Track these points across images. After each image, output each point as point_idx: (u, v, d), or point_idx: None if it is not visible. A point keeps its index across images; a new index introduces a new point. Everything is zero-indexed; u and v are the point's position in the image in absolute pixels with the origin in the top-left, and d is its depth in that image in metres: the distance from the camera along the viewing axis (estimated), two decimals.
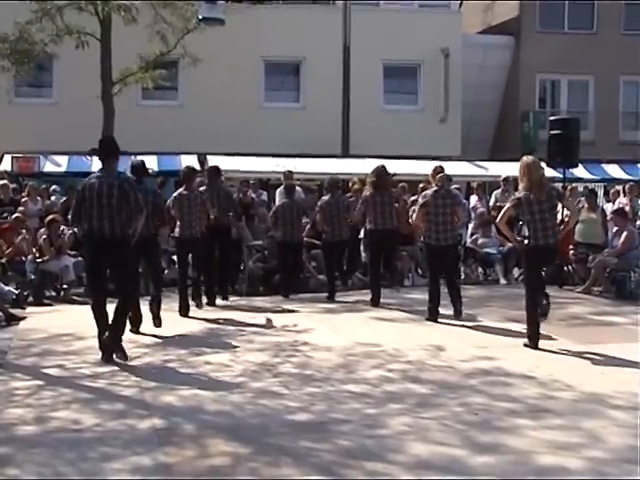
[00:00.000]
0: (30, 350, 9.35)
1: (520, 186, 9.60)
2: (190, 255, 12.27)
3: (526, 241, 9.64)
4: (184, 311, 11.70)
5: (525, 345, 9.34)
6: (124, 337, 8.85)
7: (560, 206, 11.14)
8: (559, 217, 11.89)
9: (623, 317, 11.53)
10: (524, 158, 9.77)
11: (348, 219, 13.49)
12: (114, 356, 8.54)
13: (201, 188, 12.81)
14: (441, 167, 11.89)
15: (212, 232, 12.43)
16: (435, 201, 11.23)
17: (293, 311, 12.17)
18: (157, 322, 10.38)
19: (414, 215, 11.62)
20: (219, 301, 12.71)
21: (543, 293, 9.62)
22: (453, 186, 16.00)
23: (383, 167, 13.11)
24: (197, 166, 17.01)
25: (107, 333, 8.65)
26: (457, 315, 11.21)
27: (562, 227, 10.50)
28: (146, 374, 8.12)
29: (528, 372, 8.08)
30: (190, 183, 12.17)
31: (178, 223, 11.98)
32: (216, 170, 13.41)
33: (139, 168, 10.52)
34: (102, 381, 7.80)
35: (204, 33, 18.44)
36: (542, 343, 9.41)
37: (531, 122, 30.11)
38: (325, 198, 13.98)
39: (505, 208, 9.79)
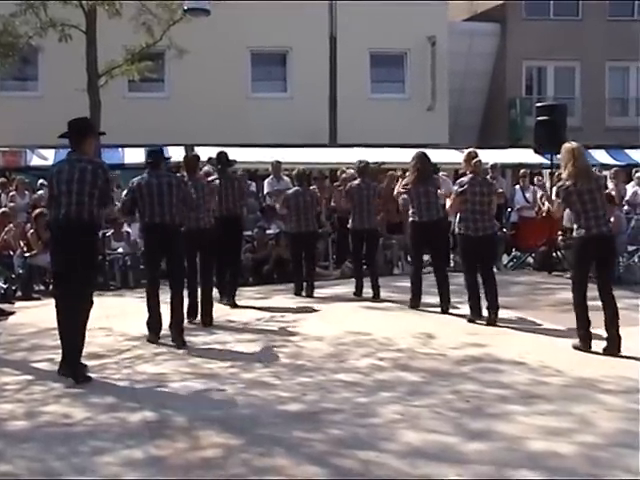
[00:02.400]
0: (19, 345, 9.32)
1: (564, 174, 8.72)
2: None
3: (576, 232, 8.74)
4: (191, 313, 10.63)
5: (575, 347, 8.59)
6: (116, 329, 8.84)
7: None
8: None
9: None
10: (567, 144, 8.90)
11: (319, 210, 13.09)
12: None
13: (210, 178, 12.12)
14: (475, 152, 10.80)
15: (223, 223, 11.62)
16: (473, 189, 10.34)
17: (284, 299, 12.17)
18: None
19: (447, 203, 10.70)
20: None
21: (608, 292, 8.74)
22: (441, 174, 16.10)
23: (366, 162, 13.00)
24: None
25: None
26: (491, 317, 10.11)
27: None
28: (136, 367, 8.10)
29: (519, 358, 8.09)
30: (194, 172, 11.23)
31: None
32: (226, 158, 12.44)
33: (157, 153, 9.88)
34: (92, 374, 7.75)
35: (190, 24, 18.35)
36: (531, 329, 9.43)
37: (518, 109, 30.21)
38: (291, 190, 13.47)
39: (556, 204, 8.99)
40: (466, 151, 11.04)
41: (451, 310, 10.95)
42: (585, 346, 8.50)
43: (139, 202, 9.26)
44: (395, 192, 12.00)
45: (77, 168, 7.76)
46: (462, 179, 10.67)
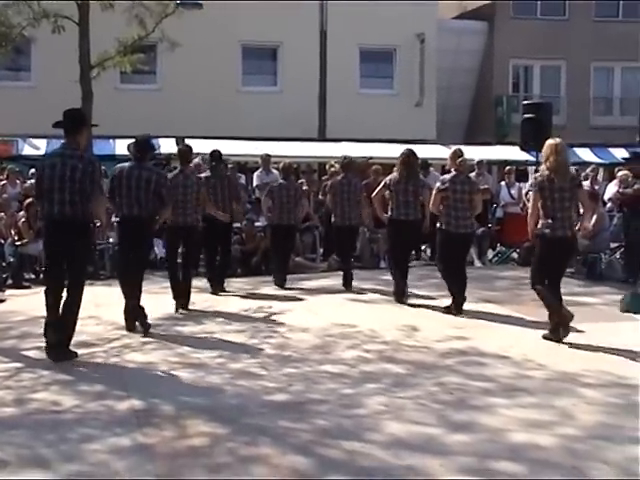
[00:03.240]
0: (9, 332, 9.29)
1: (542, 167, 8.94)
2: (182, 244, 11.16)
3: (541, 229, 8.86)
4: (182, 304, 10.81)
5: (545, 337, 8.77)
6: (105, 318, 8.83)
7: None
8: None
9: (594, 297, 11.61)
10: (551, 139, 9.02)
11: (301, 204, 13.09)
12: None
13: (203, 174, 12.17)
14: (461, 151, 10.88)
15: (213, 220, 11.64)
16: (454, 186, 10.43)
17: (272, 291, 12.17)
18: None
19: (430, 200, 10.69)
20: (198, 283, 12.46)
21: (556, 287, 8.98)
22: (431, 169, 16.16)
23: (350, 158, 13.09)
24: (175, 149, 16.85)
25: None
26: (458, 310, 10.32)
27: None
28: (125, 356, 8.09)
29: (502, 352, 8.11)
30: (187, 163, 11.27)
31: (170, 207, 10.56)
32: (219, 155, 12.49)
33: (142, 144, 9.61)
34: (81, 363, 7.75)
35: (182, 17, 18.31)
36: (515, 323, 9.46)
37: (504, 106, 30.27)
38: (275, 183, 13.51)
39: (533, 197, 9.09)
40: (452, 149, 11.20)
41: (431, 302, 10.96)
42: (556, 337, 8.65)
43: (116, 191, 9.29)
44: (374, 194, 11.87)
45: (69, 165, 7.81)
46: (445, 176, 10.83)
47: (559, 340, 8.60)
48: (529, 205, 9.31)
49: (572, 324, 8.66)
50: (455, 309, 10.30)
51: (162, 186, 9.40)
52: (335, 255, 14.13)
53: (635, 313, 10.12)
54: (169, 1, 18.23)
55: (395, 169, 11.47)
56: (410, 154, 11.43)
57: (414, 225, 11.21)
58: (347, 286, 12.40)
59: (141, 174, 9.21)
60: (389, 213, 11.41)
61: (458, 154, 10.71)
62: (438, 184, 10.64)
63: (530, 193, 9.39)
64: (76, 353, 7.98)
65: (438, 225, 10.62)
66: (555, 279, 8.99)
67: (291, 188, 13.03)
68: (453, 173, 10.58)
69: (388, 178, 11.57)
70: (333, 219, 12.85)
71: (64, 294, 8.06)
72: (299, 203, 13.08)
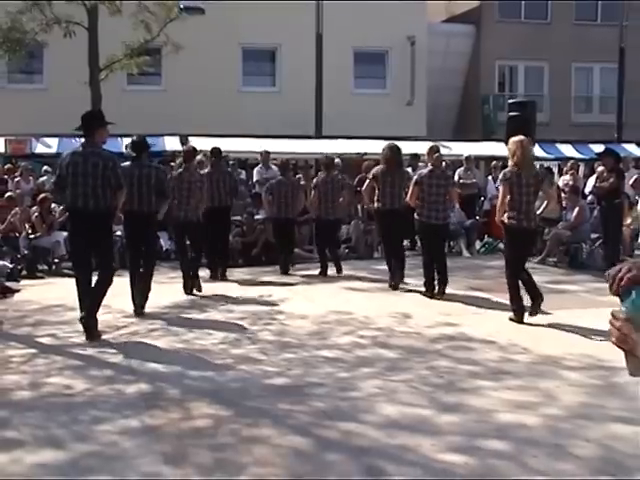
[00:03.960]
0: (24, 320, 9.28)
1: (510, 162, 9.19)
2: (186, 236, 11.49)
3: (507, 221, 9.14)
4: (188, 290, 11.09)
5: (511, 319, 9.00)
6: (114, 307, 8.84)
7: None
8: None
9: (576, 285, 11.65)
10: (516, 137, 9.32)
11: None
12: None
13: (203, 171, 12.32)
14: (437, 147, 11.09)
15: (214, 213, 11.99)
16: (430, 180, 10.63)
17: (271, 280, 12.17)
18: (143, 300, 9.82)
19: (408, 192, 10.87)
20: (201, 274, 12.48)
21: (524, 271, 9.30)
22: (420, 164, 16.13)
23: (332, 158, 13.45)
24: (179, 147, 16.83)
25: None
26: (440, 289, 10.62)
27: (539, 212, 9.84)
28: (133, 342, 8.09)
29: (489, 337, 8.12)
30: (190, 163, 11.51)
31: (175, 203, 10.99)
32: (219, 152, 12.75)
33: (138, 144, 10.01)
34: (91, 349, 7.75)
35: (185, 22, 18.28)
36: (501, 310, 9.47)
37: (491, 105, 30.23)
38: (274, 179, 13.85)
39: (502, 191, 9.29)
40: (429, 145, 11.39)
41: (422, 289, 10.93)
42: (519, 318, 8.95)
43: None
44: (363, 187, 12.16)
45: (90, 163, 8.16)
46: (422, 170, 11.20)
47: (521, 321, 8.92)
48: (499, 200, 9.46)
49: (556, 310, 8.71)
50: (438, 293, 10.55)
51: (162, 181, 9.81)
52: (316, 246, 14.10)
53: None
54: (173, 5, 18.20)
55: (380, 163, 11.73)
56: (390, 149, 11.64)
57: (399, 213, 11.41)
58: (338, 272, 12.78)
59: (141, 171, 9.54)
60: (376, 204, 11.58)
61: (435, 150, 10.94)
62: (416, 177, 10.90)
63: (500, 188, 9.53)
64: (100, 334, 8.21)
65: (416, 216, 10.84)
66: (522, 263, 9.31)
67: (289, 183, 13.30)
68: (430, 167, 10.83)
69: (372, 172, 11.82)
70: (316, 213, 13.12)
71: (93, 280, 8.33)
72: (296, 197, 13.25)
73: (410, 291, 11.05)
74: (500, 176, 9.86)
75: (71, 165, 8.22)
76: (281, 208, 13.08)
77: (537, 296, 9.13)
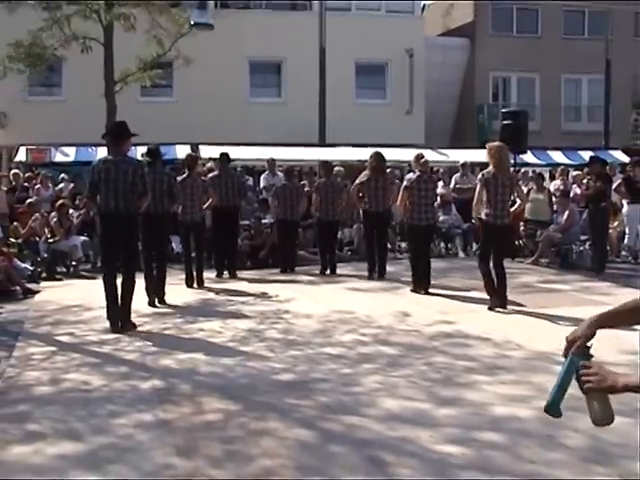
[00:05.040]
0: (44, 320, 9.29)
1: (490, 166, 9.55)
2: (193, 237, 11.86)
3: (484, 218, 9.60)
4: (189, 284, 11.59)
5: (489, 309, 9.45)
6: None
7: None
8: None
9: (567, 284, 11.63)
10: (493, 143, 9.81)
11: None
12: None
13: (211, 174, 12.70)
14: (422, 154, 11.47)
15: (221, 214, 12.36)
16: (419, 185, 10.88)
17: (278, 281, 12.16)
18: (160, 294, 10.18)
19: (398, 197, 11.19)
20: (211, 275, 12.55)
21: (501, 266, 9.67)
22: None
23: (331, 164, 13.79)
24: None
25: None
26: (426, 290, 10.88)
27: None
28: (147, 340, 8.08)
29: (484, 334, 8.10)
30: (193, 169, 11.85)
31: (180, 207, 11.47)
32: (227, 157, 12.97)
33: (153, 152, 10.54)
34: (108, 347, 7.76)
35: (195, 37, 18.30)
36: (496, 308, 9.47)
37: (485, 114, 30.25)
38: (279, 184, 14.12)
39: (478, 190, 9.66)
40: (415, 153, 11.74)
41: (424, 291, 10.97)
42: (493, 305, 9.44)
43: None
44: (351, 189, 12.85)
45: (121, 170, 8.43)
46: (410, 175, 11.34)
47: (495, 308, 9.38)
48: (475, 198, 9.83)
49: (548, 308, 8.71)
50: (423, 288, 10.83)
51: (172, 186, 10.39)
52: (315, 244, 14.27)
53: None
54: (184, 21, 18.24)
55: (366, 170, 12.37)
56: (375, 156, 12.27)
57: (383, 215, 11.98)
58: (332, 272, 12.97)
59: (155, 177, 9.85)
60: (364, 206, 12.28)
61: (420, 157, 11.35)
62: (405, 183, 11.13)
63: (477, 188, 9.90)
64: (135, 324, 8.60)
65: (405, 219, 11.15)
66: (499, 258, 9.72)
67: (293, 188, 13.53)
68: (417, 173, 11.09)
69: (360, 177, 12.40)
70: (318, 215, 13.27)
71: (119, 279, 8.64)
72: (300, 201, 13.46)
73: (407, 288, 11.03)
74: (478, 177, 10.10)
75: (103, 172, 8.48)
76: (287, 211, 13.28)
77: (502, 292, 9.53)
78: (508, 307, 9.55)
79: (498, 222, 9.51)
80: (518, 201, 10.27)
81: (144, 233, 9.96)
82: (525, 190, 15.77)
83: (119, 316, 8.50)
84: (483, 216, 9.60)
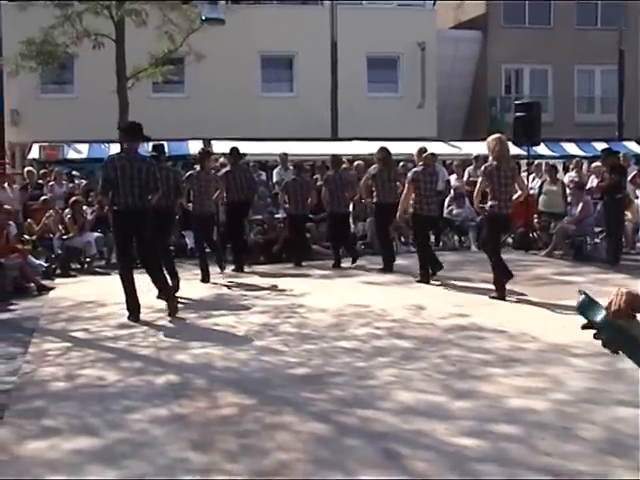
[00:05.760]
0: (59, 316, 9.33)
1: (490, 158, 9.75)
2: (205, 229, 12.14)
3: (488, 208, 9.76)
4: (204, 278, 11.62)
5: (492, 297, 9.63)
6: (143, 302, 8.91)
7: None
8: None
9: (581, 276, 11.56)
10: (494, 134, 9.98)
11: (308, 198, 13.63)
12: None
13: (224, 169, 12.81)
14: (425, 148, 11.74)
15: (236, 207, 12.52)
16: (424, 177, 11.16)
17: (292, 275, 12.16)
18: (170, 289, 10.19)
19: (405, 189, 11.42)
20: (226, 270, 12.58)
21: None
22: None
23: (339, 157, 13.83)
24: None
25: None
26: (435, 273, 11.26)
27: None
28: (161, 335, 8.11)
29: (499, 327, 8.09)
30: (205, 163, 12.05)
31: (195, 200, 11.78)
32: (237, 152, 13.04)
33: (159, 148, 10.92)
34: (122, 342, 7.79)
35: (207, 32, 18.33)
36: (511, 300, 9.44)
37: (498, 106, 30.14)
38: (289, 178, 14.23)
39: (479, 182, 9.89)
40: (417, 147, 12.00)
41: (438, 284, 10.95)
42: (501, 296, 9.58)
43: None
44: (361, 182, 13.20)
45: (136, 167, 8.72)
46: (415, 169, 11.51)
47: (503, 298, 9.54)
48: (476, 188, 10.15)
49: (563, 301, 8.70)
50: (430, 277, 11.12)
51: (178, 181, 10.79)
52: (328, 238, 14.26)
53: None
54: (195, 16, 18.25)
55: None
56: (383, 150, 12.51)
57: (395, 206, 11.89)
58: (353, 261, 13.09)
59: (161, 173, 9.85)
60: (375, 199, 12.50)
61: (423, 151, 11.62)
62: (411, 175, 11.31)
63: (479, 178, 10.19)
64: (178, 300, 9.33)
65: (412, 210, 11.27)
66: (499, 247, 10.15)
67: (303, 183, 13.69)
68: (421, 167, 11.32)
69: (370, 170, 12.77)
70: (328, 208, 13.35)
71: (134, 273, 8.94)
72: (309, 195, 13.65)
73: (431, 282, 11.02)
74: (481, 169, 10.20)
75: (119, 169, 8.69)
76: (297, 205, 13.40)
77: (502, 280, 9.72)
78: (522, 299, 9.55)
79: (504, 212, 9.73)
80: (519, 192, 10.45)
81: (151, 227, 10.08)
82: (539, 182, 15.79)
83: (139, 306, 8.81)
84: (488, 207, 9.76)
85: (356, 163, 16.51)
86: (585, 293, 2.29)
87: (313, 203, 13.90)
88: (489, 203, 9.70)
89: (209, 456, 4.71)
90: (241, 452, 4.76)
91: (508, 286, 9.88)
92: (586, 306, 2.28)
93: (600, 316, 2.23)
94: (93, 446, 4.93)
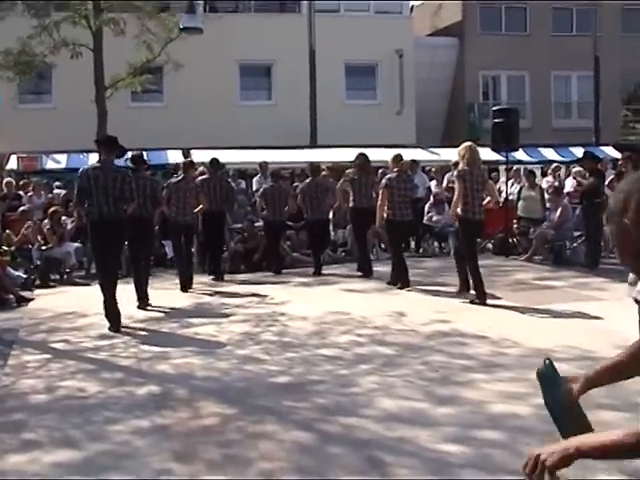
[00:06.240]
0: (39, 327, 9.24)
1: (461, 164, 9.94)
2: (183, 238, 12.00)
3: (460, 213, 9.82)
4: (183, 287, 11.58)
5: (472, 302, 9.66)
6: (123, 313, 8.85)
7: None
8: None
9: (561, 281, 11.61)
10: (466, 142, 10.20)
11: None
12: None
13: (200, 178, 12.74)
14: (401, 155, 11.84)
15: (210, 217, 12.44)
16: (398, 184, 11.25)
17: (272, 283, 12.13)
18: (144, 301, 10.26)
19: (379, 196, 11.47)
20: (205, 279, 12.56)
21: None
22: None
23: (317, 165, 13.91)
24: (181, 159, 16.83)
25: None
26: (407, 285, 11.22)
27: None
28: (142, 346, 8.05)
29: (480, 332, 8.09)
30: (188, 173, 12.05)
31: (173, 209, 11.74)
32: (217, 162, 13.12)
33: (137, 158, 10.89)
34: (103, 353, 7.73)
35: (185, 41, 18.28)
36: (492, 305, 9.46)
37: (476, 112, 30.26)
38: (267, 185, 14.18)
39: (457, 187, 9.91)
40: (393, 154, 12.02)
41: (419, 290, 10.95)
42: (482, 301, 9.60)
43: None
44: (338, 185, 13.35)
45: (110, 177, 8.76)
46: (389, 175, 11.63)
47: (484, 303, 9.56)
48: (455, 195, 10.14)
49: (544, 305, 8.73)
50: (402, 284, 11.11)
51: (156, 190, 10.80)
52: (329, 250, 14.37)
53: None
54: (173, 25, 18.22)
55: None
56: (361, 157, 12.60)
57: (371, 211, 11.90)
58: (317, 272, 13.02)
59: (138, 182, 9.99)
60: (351, 204, 12.55)
61: (398, 158, 11.75)
62: (385, 182, 11.43)
63: (455, 185, 10.28)
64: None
65: (385, 216, 11.30)
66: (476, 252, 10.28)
67: (281, 190, 13.73)
68: (395, 173, 11.43)
69: (348, 173, 12.90)
70: (305, 215, 13.46)
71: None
72: (286, 203, 13.64)
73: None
74: (455, 173, 10.30)
75: (92, 178, 8.73)
76: (275, 212, 13.41)
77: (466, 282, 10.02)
78: (503, 304, 9.58)
79: (477, 217, 9.85)
80: (488, 197, 10.57)
81: (128, 236, 10.05)
82: (518, 187, 15.86)
83: (119, 316, 8.76)
84: (459, 211, 9.83)
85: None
86: (550, 361, 2.31)
87: (291, 210, 13.91)
88: (460, 207, 9.79)
89: (192, 467, 4.67)
90: (224, 462, 4.73)
91: (489, 291, 9.90)
92: (547, 376, 2.32)
93: (556, 392, 2.27)
94: (74, 459, 4.87)
